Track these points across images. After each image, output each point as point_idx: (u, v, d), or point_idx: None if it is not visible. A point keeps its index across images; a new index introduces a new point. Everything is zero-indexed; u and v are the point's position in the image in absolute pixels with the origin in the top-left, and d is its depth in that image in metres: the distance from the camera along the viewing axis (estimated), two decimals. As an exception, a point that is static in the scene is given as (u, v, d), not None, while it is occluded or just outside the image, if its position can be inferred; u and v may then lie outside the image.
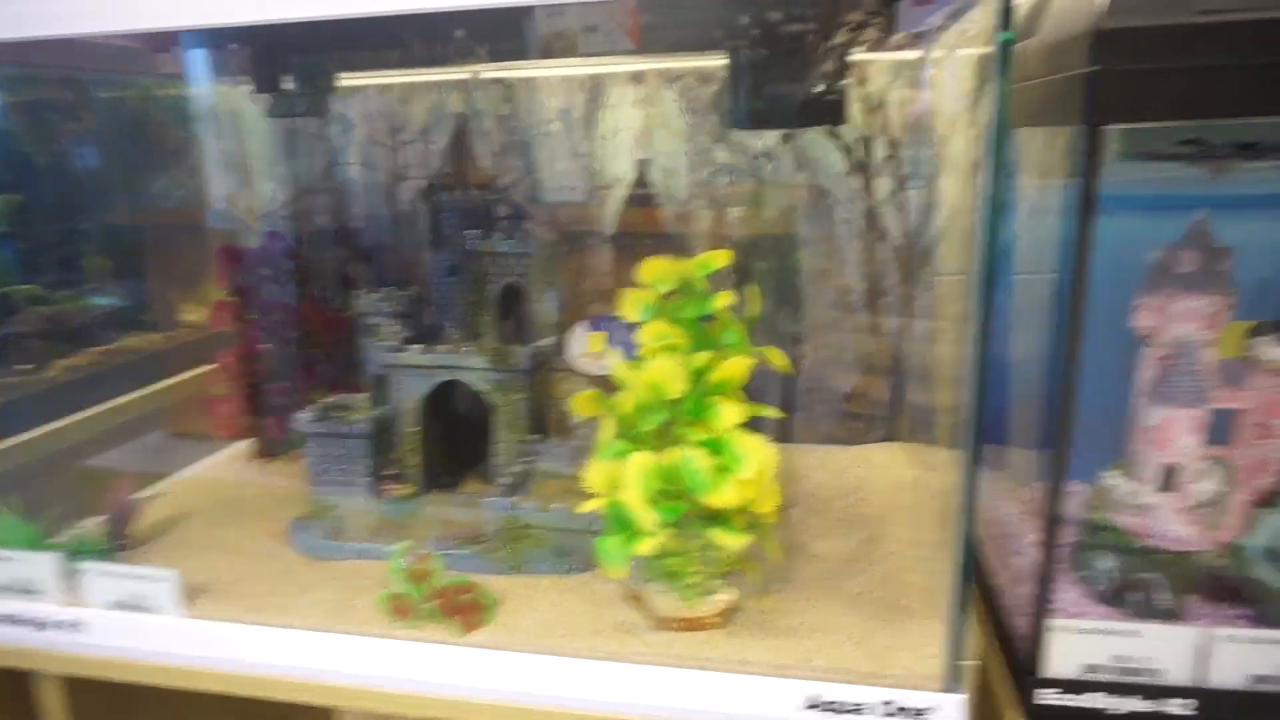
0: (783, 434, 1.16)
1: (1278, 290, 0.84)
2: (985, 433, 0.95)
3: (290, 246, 1.18)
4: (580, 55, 1.09)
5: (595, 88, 1.19)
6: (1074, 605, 0.78)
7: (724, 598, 0.76)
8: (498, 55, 1.13)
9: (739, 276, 1.15)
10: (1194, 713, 0.70)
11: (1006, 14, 0.61)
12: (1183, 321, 0.80)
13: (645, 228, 1.14)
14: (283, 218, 1.29)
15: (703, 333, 0.74)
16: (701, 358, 0.71)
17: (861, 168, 1.11)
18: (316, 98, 1.22)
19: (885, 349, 1.16)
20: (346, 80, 1.23)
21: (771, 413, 0.75)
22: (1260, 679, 0.70)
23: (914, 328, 1.14)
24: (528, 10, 0.96)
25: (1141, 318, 0.81)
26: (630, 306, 0.76)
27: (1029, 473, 1.00)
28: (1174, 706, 0.70)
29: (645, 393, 0.70)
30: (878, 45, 1.05)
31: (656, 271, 0.75)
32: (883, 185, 1.11)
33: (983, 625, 0.85)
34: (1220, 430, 0.81)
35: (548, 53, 1.04)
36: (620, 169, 1.14)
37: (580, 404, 0.75)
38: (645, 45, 1.03)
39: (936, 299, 1.10)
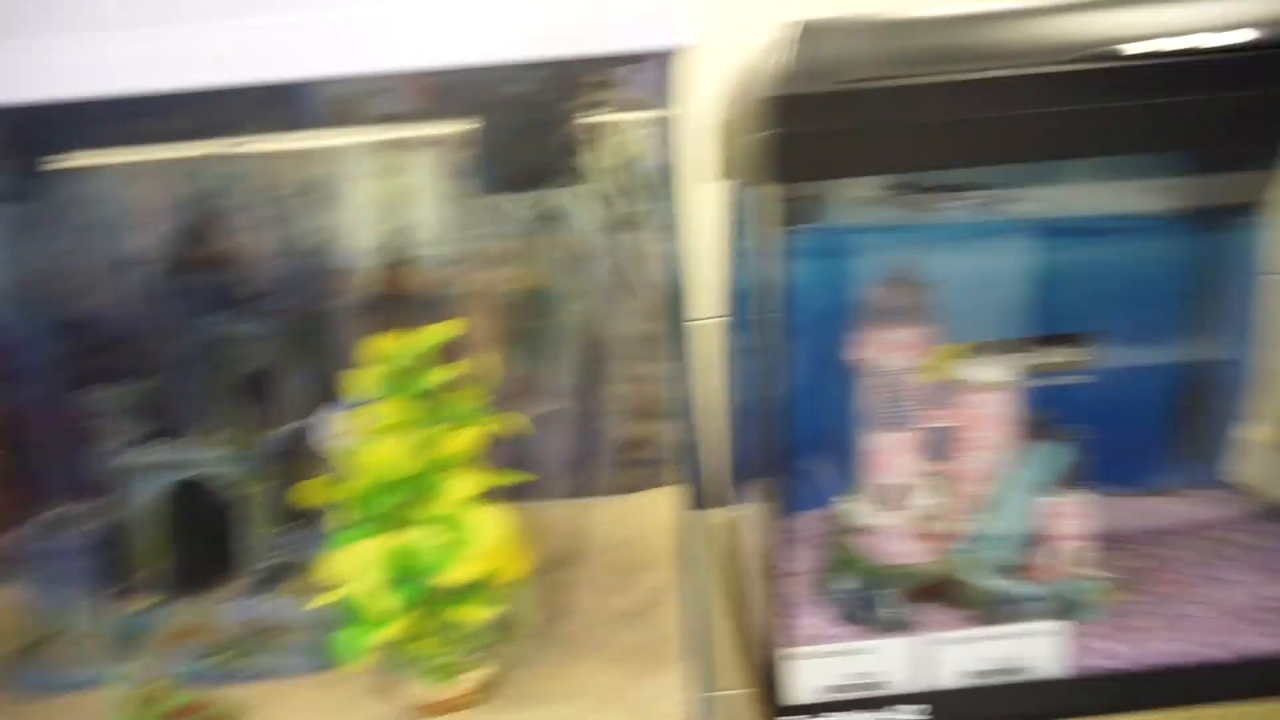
0: (563, 489, 1.17)
1: (977, 316, 0.93)
2: (752, 467, 0.99)
3: (10, 343, 1.08)
4: (332, 126, 1.07)
5: (345, 157, 1.16)
6: (819, 629, 0.82)
7: (480, 674, 0.74)
8: (241, 128, 1.09)
9: (510, 336, 1.16)
10: (928, 716, 0.75)
11: (671, 86, 0.66)
12: (893, 351, 0.87)
13: (406, 297, 1.12)
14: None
15: (436, 406, 0.73)
16: (430, 433, 0.70)
17: (616, 223, 1.14)
18: (40, 176, 1.13)
19: (659, 395, 1.20)
20: (76, 158, 1.15)
21: (513, 478, 0.75)
22: (980, 674, 0.76)
23: (682, 372, 1.18)
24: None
25: (857, 350, 0.88)
26: (362, 385, 0.74)
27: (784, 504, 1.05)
28: (909, 713, 0.75)
29: (373, 474, 0.69)
30: (621, 105, 1.09)
31: (386, 348, 0.74)
32: (637, 238, 1.15)
33: (746, 659, 0.88)
34: (937, 448, 0.89)
35: (295, 125, 1.02)
36: (376, 238, 1.12)
37: (308, 493, 0.72)
38: (394, 114, 1.02)
39: (695, 344, 1.15)
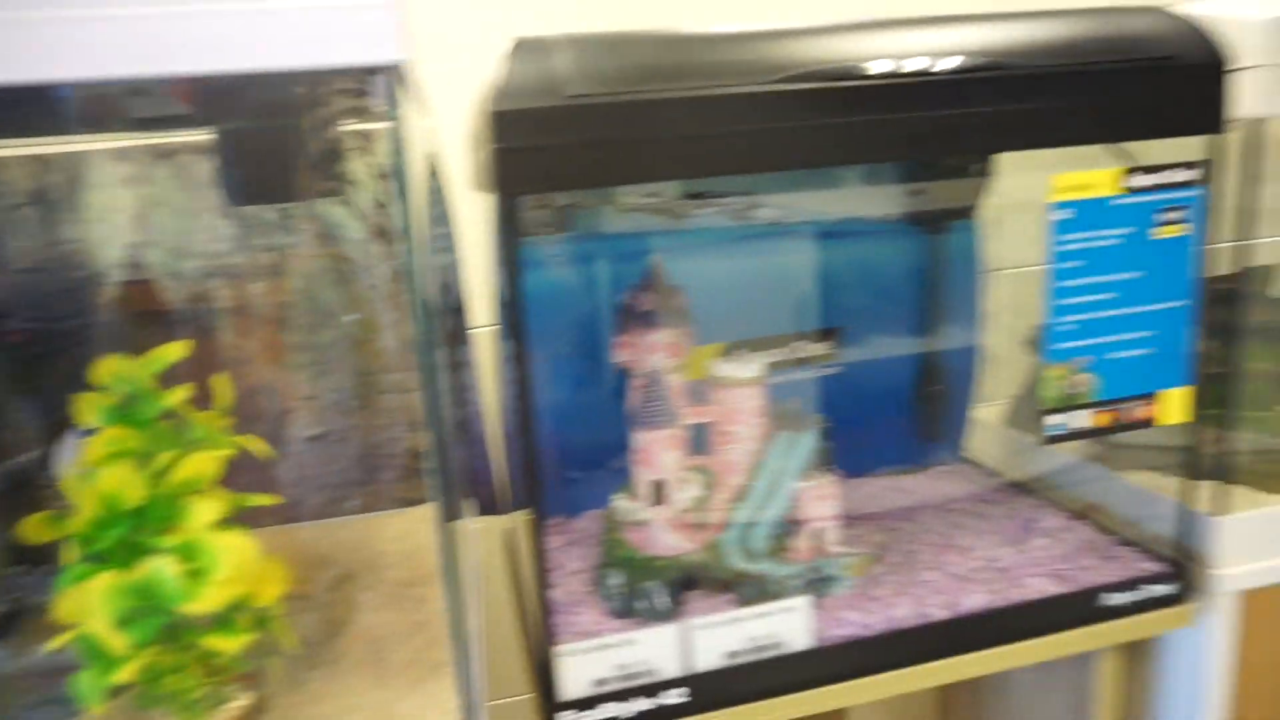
0: (345, 506, 1.14)
1: (732, 316, 0.99)
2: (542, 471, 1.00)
3: None
4: (73, 131, 1.00)
5: (89, 164, 1.08)
6: (594, 625, 0.85)
7: (239, 703, 0.71)
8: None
9: (277, 351, 1.11)
10: (688, 699, 0.79)
11: (421, 98, 0.66)
12: (653, 352, 0.91)
13: (157, 314, 1.06)
14: None
15: (168, 431, 0.70)
16: (163, 458, 0.66)
17: (382, 233, 1.13)
18: None
19: (440, 405, 1.19)
20: None
21: (261, 500, 0.72)
22: (732, 654, 0.81)
23: (466, 381, 1.18)
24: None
25: (620, 353, 0.91)
26: (87, 411, 0.69)
27: (564, 507, 1.07)
28: (671, 697, 0.79)
29: (102, 504, 0.65)
30: (378, 117, 1.08)
31: (110, 372, 0.69)
32: (408, 248, 1.14)
33: (528, 661, 0.90)
34: (701, 443, 0.94)
35: (32, 129, 0.93)
36: (113, 253, 1.05)
37: (31, 529, 0.67)
38: (142, 119, 0.96)
39: (475, 353, 1.15)
